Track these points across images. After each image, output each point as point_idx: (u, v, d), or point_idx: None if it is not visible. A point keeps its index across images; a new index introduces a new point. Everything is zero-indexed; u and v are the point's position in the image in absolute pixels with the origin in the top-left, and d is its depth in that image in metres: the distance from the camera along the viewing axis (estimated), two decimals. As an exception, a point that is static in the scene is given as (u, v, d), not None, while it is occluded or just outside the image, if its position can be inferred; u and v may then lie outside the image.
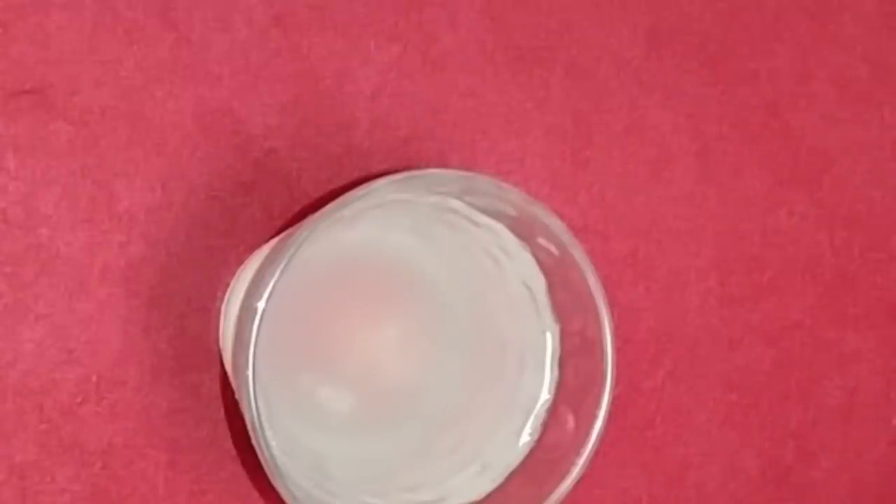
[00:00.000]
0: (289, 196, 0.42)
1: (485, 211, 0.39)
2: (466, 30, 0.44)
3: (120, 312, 0.40)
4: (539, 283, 0.41)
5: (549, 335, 0.41)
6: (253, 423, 0.35)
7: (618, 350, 0.40)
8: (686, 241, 0.47)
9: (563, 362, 0.41)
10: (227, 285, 0.41)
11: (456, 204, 0.39)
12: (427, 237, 0.41)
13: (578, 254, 0.39)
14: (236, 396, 0.37)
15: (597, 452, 0.39)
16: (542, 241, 0.39)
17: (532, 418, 0.41)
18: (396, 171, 0.37)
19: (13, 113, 0.39)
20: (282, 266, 0.35)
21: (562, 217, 0.39)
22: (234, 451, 0.41)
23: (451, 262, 0.42)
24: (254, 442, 0.35)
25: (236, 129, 0.41)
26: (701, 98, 0.47)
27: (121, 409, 0.40)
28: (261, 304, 0.35)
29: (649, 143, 0.46)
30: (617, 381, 0.40)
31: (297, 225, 0.37)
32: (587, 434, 0.39)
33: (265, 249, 0.39)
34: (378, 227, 0.40)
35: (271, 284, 0.35)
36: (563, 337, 0.41)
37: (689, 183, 0.47)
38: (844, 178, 0.49)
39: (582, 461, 0.39)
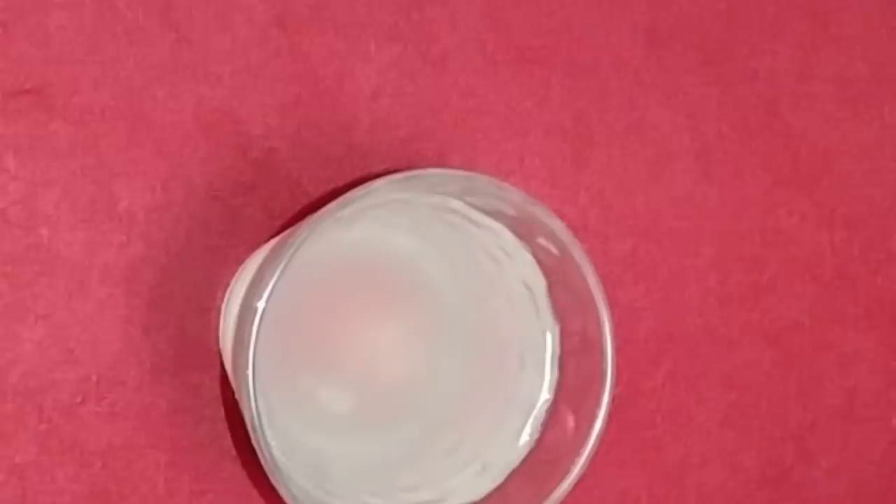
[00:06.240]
0: (289, 196, 0.42)
1: (485, 211, 0.39)
2: (466, 30, 0.44)
3: (120, 312, 0.40)
4: (539, 283, 0.41)
5: (549, 335, 0.41)
6: (253, 423, 0.35)
7: (618, 350, 0.40)
8: (686, 241, 0.47)
9: (563, 362, 0.41)
10: (227, 285, 0.41)
11: (456, 204, 0.39)
12: (427, 237, 0.41)
13: (578, 254, 0.39)
14: (236, 396, 0.37)
15: (597, 452, 0.39)
16: (542, 241, 0.39)
17: (532, 418, 0.41)
18: (396, 171, 0.37)
19: (13, 113, 0.39)
20: (282, 266, 0.35)
21: (562, 217, 0.39)
22: (234, 451, 0.41)
23: (451, 262, 0.42)
24: (254, 442, 0.35)
25: (236, 129, 0.41)
26: (701, 98, 0.47)
27: (121, 409, 0.40)
28: (261, 304, 0.35)
29: (649, 143, 0.46)
30: (617, 381, 0.40)
31: (297, 225, 0.37)
32: (587, 434, 0.39)
33: (265, 249, 0.39)
34: (378, 227, 0.40)
35: (271, 284, 0.35)
36: (563, 337, 0.41)
37: (689, 183, 0.47)
38: (844, 178, 0.49)
39: (582, 461, 0.39)
